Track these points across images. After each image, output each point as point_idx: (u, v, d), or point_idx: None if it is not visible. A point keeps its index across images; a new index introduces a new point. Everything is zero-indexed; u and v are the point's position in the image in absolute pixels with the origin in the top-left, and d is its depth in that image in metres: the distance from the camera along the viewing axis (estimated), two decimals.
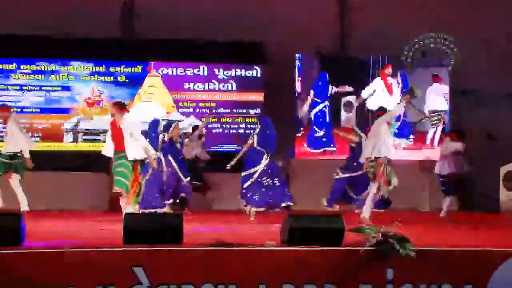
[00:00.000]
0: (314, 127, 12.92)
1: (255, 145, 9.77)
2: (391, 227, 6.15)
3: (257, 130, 9.85)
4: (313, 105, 12.92)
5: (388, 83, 13.00)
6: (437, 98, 13.06)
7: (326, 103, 12.95)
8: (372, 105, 12.84)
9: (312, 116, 12.92)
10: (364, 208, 8.98)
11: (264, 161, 9.64)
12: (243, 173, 9.68)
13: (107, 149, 8.86)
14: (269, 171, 9.64)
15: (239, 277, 5.84)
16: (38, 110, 12.43)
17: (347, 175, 11.29)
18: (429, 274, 6.01)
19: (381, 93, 13.02)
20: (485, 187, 12.33)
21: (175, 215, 6.63)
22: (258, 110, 12.85)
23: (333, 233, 6.20)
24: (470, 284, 6.02)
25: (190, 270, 5.83)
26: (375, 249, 5.97)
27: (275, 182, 9.64)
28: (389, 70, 12.98)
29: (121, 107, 8.77)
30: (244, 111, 12.87)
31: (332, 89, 12.93)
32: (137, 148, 8.56)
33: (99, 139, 12.45)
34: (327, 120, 12.96)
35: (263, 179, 9.59)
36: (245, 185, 9.60)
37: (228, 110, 12.90)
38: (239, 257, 5.95)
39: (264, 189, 9.57)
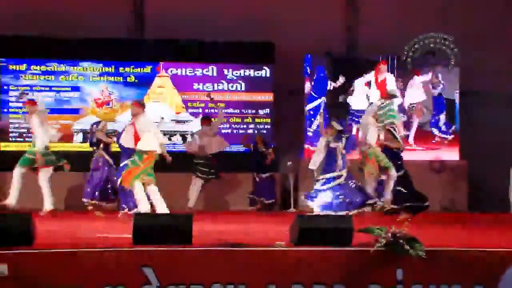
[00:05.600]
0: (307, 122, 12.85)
1: None
2: (401, 227, 6.13)
3: None
4: (310, 100, 12.85)
5: (379, 79, 12.90)
6: (416, 90, 13.01)
7: (323, 99, 12.87)
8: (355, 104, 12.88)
9: (306, 111, 12.84)
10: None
11: None
12: None
13: None
14: None
15: (248, 278, 5.84)
16: (48, 110, 12.46)
17: None
18: (439, 275, 5.99)
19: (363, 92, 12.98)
20: (495, 187, 12.29)
21: (185, 216, 6.64)
22: (267, 110, 12.85)
23: (342, 233, 6.20)
24: (481, 284, 6.00)
25: (199, 270, 5.84)
26: (384, 250, 5.96)
27: None
28: (383, 66, 12.84)
29: None
30: (253, 111, 12.87)
31: (331, 85, 12.89)
32: None
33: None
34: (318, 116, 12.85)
35: None
36: None
37: (237, 111, 12.91)
38: (249, 257, 5.95)
39: None
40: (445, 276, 5.99)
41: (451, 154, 12.94)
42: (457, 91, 13.08)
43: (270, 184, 11.99)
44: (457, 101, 13.10)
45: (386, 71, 12.66)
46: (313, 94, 12.88)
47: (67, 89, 12.58)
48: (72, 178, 12.06)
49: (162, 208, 8.74)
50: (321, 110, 12.63)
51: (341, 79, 12.84)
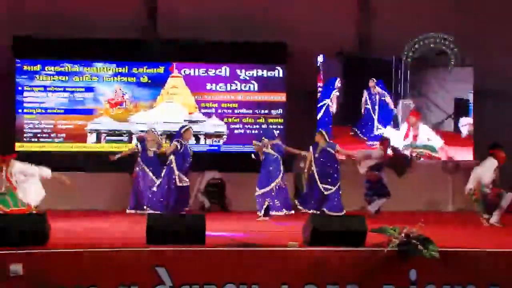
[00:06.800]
0: None
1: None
2: (414, 228, 6.12)
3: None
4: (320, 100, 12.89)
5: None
6: None
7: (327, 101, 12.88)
8: None
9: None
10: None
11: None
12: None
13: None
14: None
15: (261, 278, 5.85)
16: (62, 111, 12.54)
17: None
18: (453, 275, 5.97)
19: None
20: (510, 188, 12.19)
21: (198, 216, 6.66)
22: (280, 111, 12.84)
23: (355, 234, 6.19)
24: (495, 285, 5.97)
25: (212, 270, 5.86)
26: (398, 250, 5.94)
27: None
28: (412, 118, 12.76)
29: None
30: (266, 111, 12.87)
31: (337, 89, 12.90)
32: None
33: (122, 140, 12.56)
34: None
35: None
36: None
37: (250, 111, 12.91)
38: (262, 257, 5.96)
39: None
40: (459, 277, 5.96)
41: (465, 155, 12.86)
42: (471, 91, 13.00)
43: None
44: (471, 101, 13.01)
45: (417, 122, 12.66)
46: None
47: (80, 89, 12.62)
48: (86, 179, 12.11)
49: None
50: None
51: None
